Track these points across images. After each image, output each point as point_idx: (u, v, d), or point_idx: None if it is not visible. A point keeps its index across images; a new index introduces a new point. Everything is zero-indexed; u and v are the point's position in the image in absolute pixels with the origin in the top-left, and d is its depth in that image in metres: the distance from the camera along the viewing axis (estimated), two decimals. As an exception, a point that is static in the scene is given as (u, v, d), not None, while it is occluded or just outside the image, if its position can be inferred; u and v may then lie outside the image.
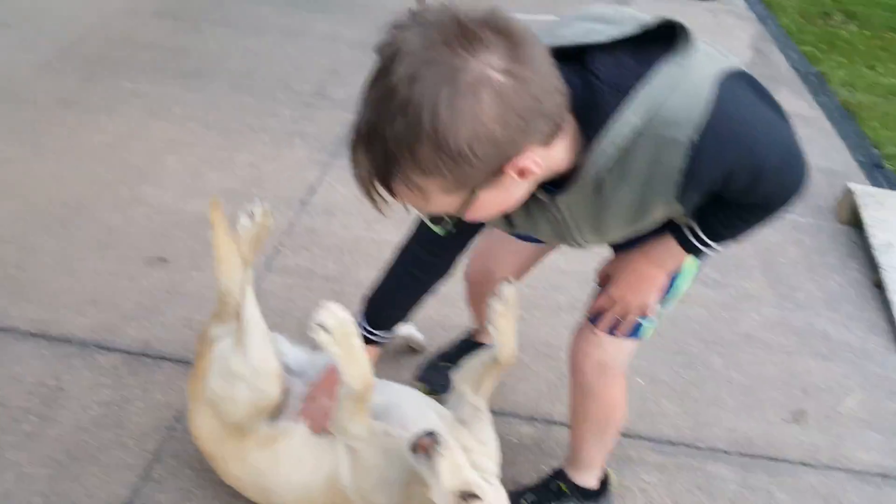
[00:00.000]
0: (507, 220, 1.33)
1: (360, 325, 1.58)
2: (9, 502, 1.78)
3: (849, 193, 3.50)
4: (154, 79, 3.93)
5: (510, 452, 2.08)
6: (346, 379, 1.41)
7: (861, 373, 2.60)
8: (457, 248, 1.51)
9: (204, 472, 1.82)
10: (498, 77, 0.91)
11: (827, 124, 4.69)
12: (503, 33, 0.92)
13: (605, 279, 1.55)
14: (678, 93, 1.06)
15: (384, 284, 1.60)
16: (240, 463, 1.67)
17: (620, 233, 1.31)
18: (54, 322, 2.31)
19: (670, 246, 1.37)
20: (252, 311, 1.63)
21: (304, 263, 2.70)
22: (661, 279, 1.47)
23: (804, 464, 2.21)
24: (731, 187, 1.17)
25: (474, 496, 1.33)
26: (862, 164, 4.20)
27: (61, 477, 1.84)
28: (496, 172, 1.00)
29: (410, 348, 2.34)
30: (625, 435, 2.19)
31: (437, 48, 0.91)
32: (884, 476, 2.21)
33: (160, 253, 2.68)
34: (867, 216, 3.33)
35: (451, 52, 0.91)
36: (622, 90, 1.06)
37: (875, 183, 3.96)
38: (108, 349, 2.24)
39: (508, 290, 1.48)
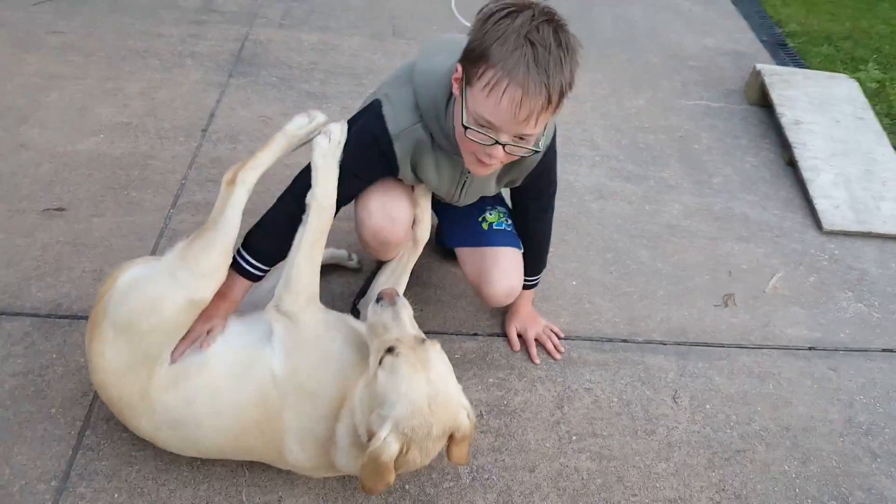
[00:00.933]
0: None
1: (241, 256, 1.71)
2: (-70, 493, 1.65)
3: (756, 74, 3.56)
4: (19, 4, 3.49)
5: (457, 369, 2.07)
6: (318, 191, 1.62)
7: (781, 251, 2.72)
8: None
9: (143, 431, 1.73)
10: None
11: (730, 6, 4.72)
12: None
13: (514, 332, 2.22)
14: None
15: (269, 223, 1.74)
16: (150, 414, 1.60)
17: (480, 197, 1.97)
18: (-54, 292, 2.10)
19: (525, 295, 2.18)
20: (232, 217, 1.64)
21: (212, 197, 2.46)
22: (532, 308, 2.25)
23: (738, 346, 2.32)
24: (541, 184, 1.95)
25: (424, 339, 1.51)
26: (766, 44, 4.27)
27: (-14, 457, 1.72)
28: None
29: (341, 268, 2.31)
30: (565, 337, 2.24)
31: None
32: (812, 348, 2.35)
33: (55, 202, 2.45)
34: (775, 95, 3.40)
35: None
36: None
37: (780, 62, 4.05)
38: (15, 314, 2.06)
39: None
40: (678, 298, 2.45)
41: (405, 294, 1.74)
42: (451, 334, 2.20)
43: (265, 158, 1.70)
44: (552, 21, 1.44)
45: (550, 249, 2.51)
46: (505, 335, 2.22)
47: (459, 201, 1.94)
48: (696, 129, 3.34)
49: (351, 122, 1.76)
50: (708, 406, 2.11)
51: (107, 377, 1.59)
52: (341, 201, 1.74)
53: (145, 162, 2.66)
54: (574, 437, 1.97)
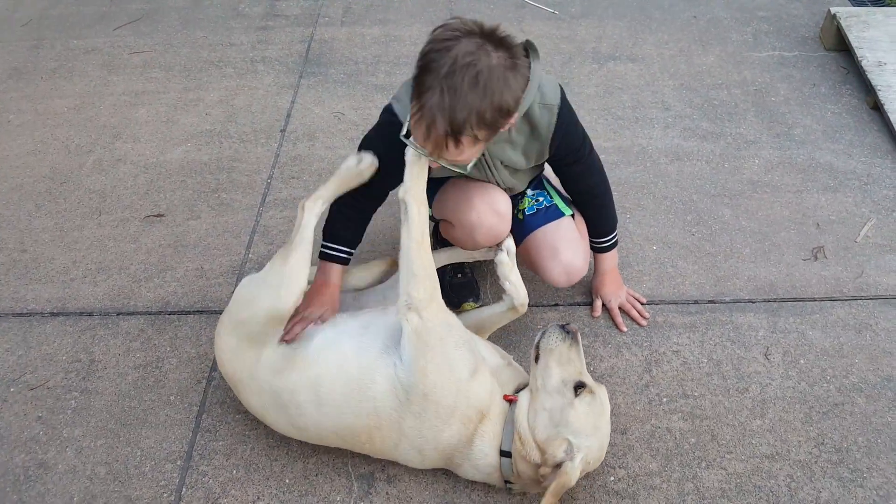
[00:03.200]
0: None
1: (325, 246, 1.91)
2: (75, 476, 1.84)
3: (831, 18, 3.39)
4: (102, 31, 3.73)
5: (541, 339, 2.14)
6: (412, 184, 1.69)
7: (871, 198, 2.61)
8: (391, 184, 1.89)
9: (251, 414, 1.87)
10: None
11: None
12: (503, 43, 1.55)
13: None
14: (545, 79, 1.75)
15: (336, 213, 1.92)
16: (258, 393, 1.75)
17: (520, 175, 1.97)
18: (70, 298, 2.31)
19: (605, 259, 2.18)
20: (307, 234, 1.82)
21: (297, 193, 2.66)
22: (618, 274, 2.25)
23: (831, 299, 2.26)
24: (572, 147, 1.88)
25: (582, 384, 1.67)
26: (841, -16, 4.05)
27: (118, 444, 1.90)
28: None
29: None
30: (649, 302, 2.24)
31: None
32: (908, 295, 2.26)
33: (154, 209, 2.64)
34: (853, 38, 3.24)
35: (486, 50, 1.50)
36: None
37: (857, 2, 3.83)
38: (129, 314, 2.25)
39: (510, 245, 1.92)
40: (765, 255, 2.40)
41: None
42: (533, 306, 2.24)
43: (326, 192, 1.86)
44: (485, 56, 1.48)
45: (626, 216, 2.52)
46: (586, 303, 2.24)
47: (500, 182, 1.95)
48: (772, 80, 3.23)
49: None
50: (802, 361, 2.07)
51: (222, 355, 1.79)
52: (382, 195, 1.92)
53: (231, 165, 2.82)
54: (664, 399, 1.98)
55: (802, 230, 2.49)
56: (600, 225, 2.11)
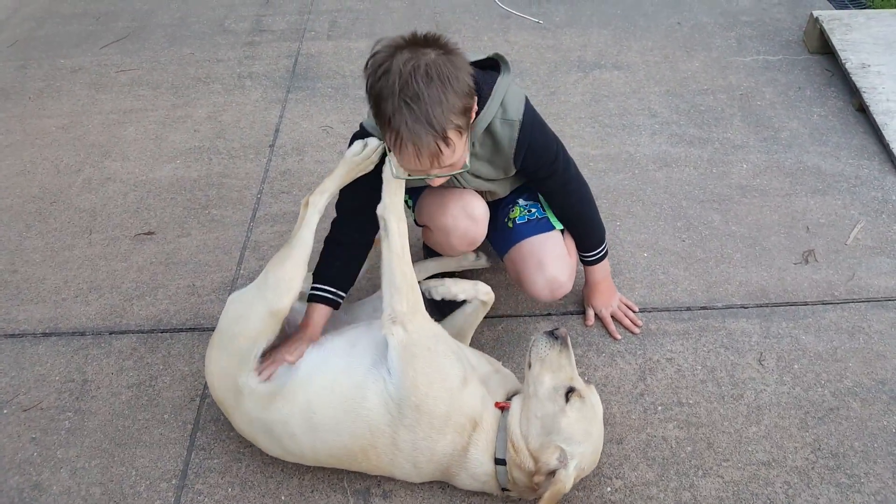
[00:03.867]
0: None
1: (315, 288, 1.85)
2: (70, 497, 1.82)
3: (814, 21, 3.43)
4: (89, 50, 3.73)
5: (535, 349, 2.13)
6: (389, 201, 1.72)
7: (860, 200, 2.63)
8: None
9: (247, 430, 1.86)
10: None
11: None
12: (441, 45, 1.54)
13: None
14: (511, 93, 1.76)
15: (329, 254, 1.89)
16: (247, 421, 1.73)
17: (497, 183, 1.98)
18: (62, 317, 2.29)
19: (596, 270, 2.17)
20: (305, 235, 1.77)
21: (287, 207, 2.66)
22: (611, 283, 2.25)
23: (823, 302, 2.27)
24: (541, 161, 1.88)
25: (589, 383, 1.72)
26: (822, -12, 4.09)
27: (112, 464, 1.89)
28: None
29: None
30: (642, 310, 2.24)
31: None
32: (900, 298, 2.27)
33: (144, 227, 2.63)
34: (837, 41, 3.27)
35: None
36: (489, 89, 1.73)
37: (839, 5, 3.88)
38: (122, 332, 2.24)
39: (431, 283, 1.92)
40: (756, 260, 2.41)
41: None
42: (525, 316, 2.24)
43: (331, 184, 1.81)
44: (422, 55, 1.49)
45: (616, 223, 2.53)
46: (578, 312, 2.25)
47: (474, 188, 1.97)
48: (757, 84, 3.26)
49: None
50: (796, 366, 2.08)
51: (212, 378, 1.76)
52: (369, 209, 1.83)
53: (221, 181, 2.82)
54: (660, 408, 1.98)
55: (792, 234, 2.50)
56: (586, 239, 2.11)
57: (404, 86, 1.46)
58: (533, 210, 2.08)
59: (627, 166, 2.81)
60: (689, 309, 2.26)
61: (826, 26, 3.34)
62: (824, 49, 3.40)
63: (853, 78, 3.08)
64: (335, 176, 1.80)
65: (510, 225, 2.07)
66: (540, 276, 1.99)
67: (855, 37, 3.28)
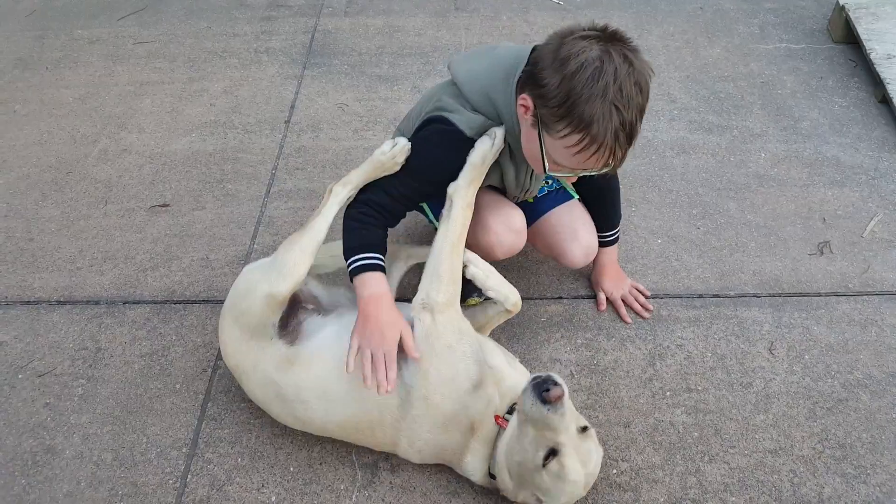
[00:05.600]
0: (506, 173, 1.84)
1: (357, 259, 1.69)
2: (82, 462, 1.85)
3: (840, 9, 3.37)
4: (106, 21, 3.73)
5: (544, 332, 2.14)
6: (464, 185, 1.70)
7: (878, 193, 2.60)
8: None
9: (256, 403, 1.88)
10: None
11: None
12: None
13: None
14: None
15: (361, 227, 1.74)
16: (262, 385, 1.75)
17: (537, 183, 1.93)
18: (77, 286, 2.31)
19: (606, 253, 2.18)
20: (320, 223, 1.76)
21: (302, 184, 2.66)
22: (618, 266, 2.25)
23: (836, 294, 2.25)
24: None
25: (586, 428, 1.58)
26: (851, -24, 4.01)
27: (124, 431, 1.91)
28: None
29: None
30: (653, 296, 2.23)
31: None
32: (914, 292, 2.25)
33: (159, 199, 2.64)
34: (862, 30, 3.22)
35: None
36: None
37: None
38: (136, 302, 2.26)
39: (470, 256, 1.77)
40: (770, 249, 2.39)
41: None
42: (536, 299, 2.24)
43: (356, 178, 1.78)
44: (629, 62, 1.44)
45: (631, 209, 2.52)
46: (589, 297, 2.24)
47: (530, 190, 1.93)
48: (779, 73, 3.21)
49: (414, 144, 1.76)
50: (806, 356, 2.07)
51: (226, 347, 1.79)
52: (411, 205, 1.82)
53: (236, 156, 2.82)
54: (668, 393, 1.98)
55: (808, 225, 2.48)
56: (610, 218, 2.13)
57: (617, 92, 1.42)
58: (550, 181, 2.06)
59: (645, 152, 2.79)
60: (701, 296, 2.25)
61: (852, 15, 3.28)
62: (849, 38, 3.35)
63: (877, 68, 3.03)
64: (360, 171, 1.78)
65: (530, 200, 2.06)
66: (576, 245, 2.02)
67: (881, 26, 3.22)
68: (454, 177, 1.72)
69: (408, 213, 1.88)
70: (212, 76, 3.29)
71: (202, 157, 2.82)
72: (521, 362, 1.83)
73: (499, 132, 1.69)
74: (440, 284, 1.66)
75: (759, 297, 2.24)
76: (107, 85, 3.25)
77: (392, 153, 1.74)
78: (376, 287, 1.64)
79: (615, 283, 2.21)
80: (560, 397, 1.46)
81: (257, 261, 1.86)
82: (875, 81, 3.06)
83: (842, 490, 1.77)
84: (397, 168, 1.75)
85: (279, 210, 2.56)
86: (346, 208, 1.78)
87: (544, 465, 1.50)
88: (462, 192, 1.70)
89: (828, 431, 1.89)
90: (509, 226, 1.89)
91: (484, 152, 1.69)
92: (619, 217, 2.16)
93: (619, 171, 2.35)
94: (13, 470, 1.84)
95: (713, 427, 1.90)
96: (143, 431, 1.91)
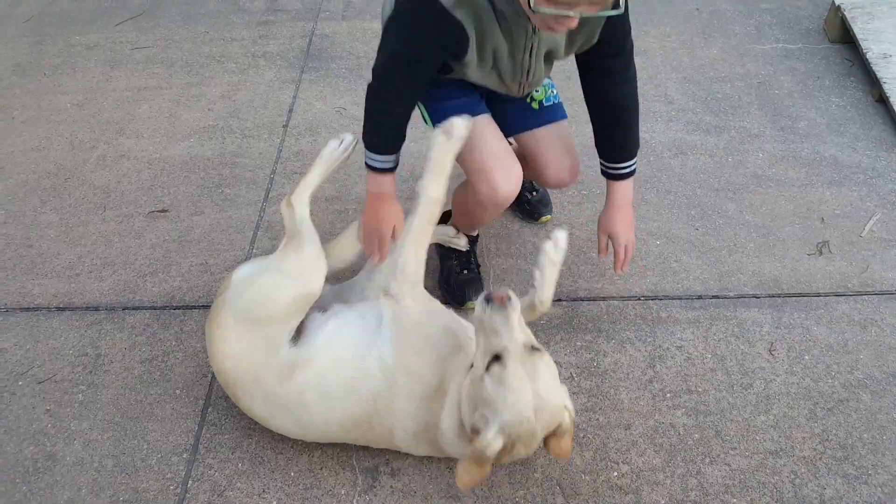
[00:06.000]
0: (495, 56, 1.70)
1: (370, 159, 1.77)
2: (83, 468, 1.85)
3: (835, 9, 3.38)
4: (104, 27, 3.73)
5: (544, 334, 2.14)
6: (429, 183, 1.72)
7: (877, 193, 2.60)
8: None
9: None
10: None
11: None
12: None
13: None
14: None
15: (376, 124, 1.78)
16: (263, 398, 1.73)
17: (548, 68, 1.83)
18: (76, 292, 2.31)
19: (620, 189, 1.92)
20: (308, 226, 1.82)
21: (302, 188, 2.66)
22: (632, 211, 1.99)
23: (835, 294, 2.25)
24: (617, 34, 1.74)
25: (537, 349, 1.50)
26: (846, -24, 4.02)
27: (124, 437, 1.91)
28: None
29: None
30: (652, 297, 2.24)
31: None
32: (914, 292, 2.25)
33: (158, 204, 2.64)
34: (858, 30, 3.23)
35: None
36: None
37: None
38: (135, 308, 2.26)
39: (562, 238, 1.73)
40: (769, 250, 2.40)
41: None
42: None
43: (311, 181, 1.85)
44: None
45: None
46: (589, 298, 2.24)
47: (529, 78, 1.78)
48: (775, 73, 3.22)
49: (386, 32, 1.73)
50: (807, 357, 2.07)
51: (225, 361, 1.75)
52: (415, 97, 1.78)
53: (234, 161, 2.82)
54: (668, 395, 1.98)
55: (807, 225, 2.48)
56: (625, 144, 1.86)
57: None
58: (555, 92, 2.01)
59: (642, 153, 2.78)
60: (700, 297, 2.25)
61: (848, 14, 3.29)
62: (845, 38, 3.36)
63: (874, 68, 3.04)
64: (313, 175, 1.85)
65: (535, 106, 1.98)
66: (567, 160, 2.00)
67: (877, 26, 3.23)
68: (439, 61, 1.65)
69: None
70: (209, 81, 3.29)
71: (200, 162, 2.82)
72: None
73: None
74: (403, 276, 1.72)
75: (758, 297, 2.24)
76: (105, 90, 3.25)
77: (342, 148, 1.85)
78: (379, 187, 1.78)
79: (625, 229, 1.94)
80: (503, 299, 1.48)
81: (251, 266, 1.84)
82: (871, 81, 3.06)
83: (843, 491, 1.77)
84: (347, 158, 1.84)
85: (277, 215, 2.55)
86: (367, 87, 1.78)
87: (487, 370, 1.46)
88: (427, 189, 1.74)
89: (829, 432, 1.89)
90: (506, 168, 1.85)
91: (440, 146, 1.71)
92: (638, 145, 1.89)
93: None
94: (14, 477, 1.84)
95: (714, 428, 1.90)
96: (143, 437, 1.91)
